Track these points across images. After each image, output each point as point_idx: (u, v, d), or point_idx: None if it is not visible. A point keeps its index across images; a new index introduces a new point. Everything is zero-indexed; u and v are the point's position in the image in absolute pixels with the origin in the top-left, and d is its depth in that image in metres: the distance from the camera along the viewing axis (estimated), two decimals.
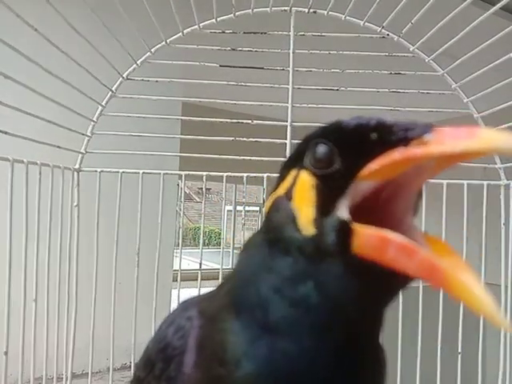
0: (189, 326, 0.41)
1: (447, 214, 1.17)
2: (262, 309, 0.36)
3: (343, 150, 0.34)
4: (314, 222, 0.34)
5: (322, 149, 0.35)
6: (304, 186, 0.35)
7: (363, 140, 0.33)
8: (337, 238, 0.33)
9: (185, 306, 0.45)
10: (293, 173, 0.38)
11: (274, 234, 0.37)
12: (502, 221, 1.15)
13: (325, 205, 0.34)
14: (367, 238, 0.32)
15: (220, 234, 11.83)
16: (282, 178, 0.39)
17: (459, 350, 1.14)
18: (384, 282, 0.33)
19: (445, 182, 1.18)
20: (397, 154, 0.31)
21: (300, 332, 0.34)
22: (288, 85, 1.18)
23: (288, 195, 0.37)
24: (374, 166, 0.32)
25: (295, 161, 0.38)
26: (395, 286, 0.34)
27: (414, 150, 0.31)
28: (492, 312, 0.28)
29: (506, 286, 1.13)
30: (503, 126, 1.09)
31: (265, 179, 1.16)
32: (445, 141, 0.30)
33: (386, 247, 0.31)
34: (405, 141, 0.31)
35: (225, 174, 1.19)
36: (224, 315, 0.38)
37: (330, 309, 0.34)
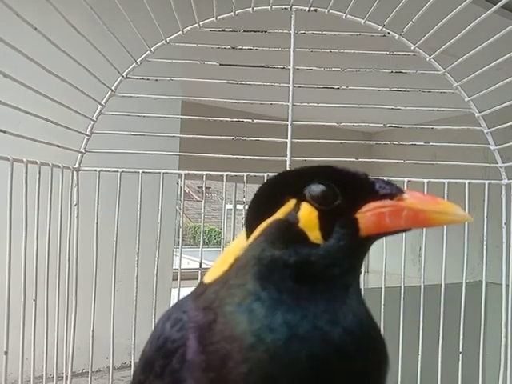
0: (186, 317, 0.44)
1: None
2: (275, 287, 0.43)
3: (344, 190, 0.45)
4: (322, 236, 0.44)
5: (325, 189, 0.45)
6: (309, 216, 0.45)
7: (360, 186, 0.45)
8: (348, 231, 0.44)
9: (177, 304, 0.49)
10: (291, 202, 0.46)
11: (284, 243, 0.44)
12: (503, 220, 1.15)
13: (327, 227, 0.44)
14: (370, 217, 0.44)
15: (220, 232, 11.83)
16: (273, 203, 0.47)
17: (460, 350, 1.14)
18: (379, 238, 0.46)
19: (446, 181, 1.17)
20: (388, 203, 0.44)
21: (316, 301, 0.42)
22: (288, 83, 1.18)
23: (291, 219, 0.45)
24: (372, 206, 0.44)
25: (287, 190, 0.47)
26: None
27: (399, 202, 0.44)
28: (463, 215, 0.42)
29: (507, 285, 1.13)
30: (504, 125, 1.09)
31: (265, 178, 1.15)
32: (417, 200, 0.43)
33: (383, 217, 0.44)
34: (390, 195, 0.44)
35: (225, 174, 1.19)
36: (226, 301, 0.43)
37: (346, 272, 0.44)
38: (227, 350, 0.40)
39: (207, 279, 0.48)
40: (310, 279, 0.43)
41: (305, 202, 0.45)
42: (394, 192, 0.44)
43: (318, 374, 0.39)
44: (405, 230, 0.45)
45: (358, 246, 0.45)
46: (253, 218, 0.48)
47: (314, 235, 0.44)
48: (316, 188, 0.45)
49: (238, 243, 0.48)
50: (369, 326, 0.45)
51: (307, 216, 0.45)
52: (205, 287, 0.47)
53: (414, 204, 0.43)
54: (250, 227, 0.48)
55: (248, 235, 0.48)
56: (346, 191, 0.45)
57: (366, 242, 0.46)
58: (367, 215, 0.44)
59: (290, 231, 0.45)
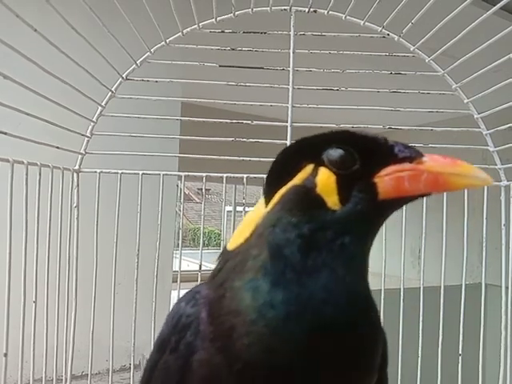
0: (199, 296, 0.48)
1: (447, 214, 1.17)
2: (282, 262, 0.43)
3: (362, 155, 0.44)
4: (340, 201, 0.44)
5: (343, 153, 0.44)
6: (327, 181, 0.44)
7: (378, 150, 0.44)
8: (366, 195, 0.43)
9: (190, 290, 0.51)
10: (308, 167, 0.46)
11: (302, 211, 0.44)
12: (503, 222, 1.15)
13: (345, 192, 0.44)
14: (389, 181, 0.43)
15: (220, 234, 11.82)
16: (291, 169, 0.47)
17: (460, 352, 1.14)
18: (399, 206, 0.45)
19: None
20: (407, 166, 0.43)
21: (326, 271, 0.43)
22: (288, 85, 1.18)
23: (308, 185, 0.45)
24: (391, 170, 0.43)
25: (305, 155, 0.47)
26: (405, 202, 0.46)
27: (418, 166, 0.43)
28: (485, 178, 0.41)
29: (507, 287, 1.13)
30: (503, 126, 1.09)
31: (265, 180, 1.15)
32: (437, 163, 0.42)
33: (402, 181, 0.43)
34: (409, 158, 0.43)
35: (225, 175, 1.19)
36: (238, 276, 0.45)
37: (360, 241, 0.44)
38: (232, 323, 0.42)
39: (230, 246, 0.49)
40: (319, 249, 0.43)
41: (323, 166, 0.45)
42: (414, 155, 0.43)
43: (312, 350, 0.41)
44: (425, 195, 0.45)
45: (376, 211, 0.45)
46: (271, 185, 0.49)
47: (332, 200, 0.44)
48: (334, 152, 0.45)
49: (257, 210, 0.49)
50: (363, 304, 0.45)
51: (325, 181, 0.44)
52: (226, 257, 0.49)
53: (433, 167, 0.42)
54: (269, 194, 0.49)
55: (267, 202, 0.49)
56: (364, 155, 0.44)
57: (384, 208, 0.45)
58: (386, 179, 0.43)
59: (307, 197, 0.45)
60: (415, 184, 0.43)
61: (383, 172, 0.43)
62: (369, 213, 0.44)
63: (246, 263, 0.45)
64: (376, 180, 0.44)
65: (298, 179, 0.46)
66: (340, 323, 0.42)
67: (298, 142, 0.50)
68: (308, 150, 0.47)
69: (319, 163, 0.45)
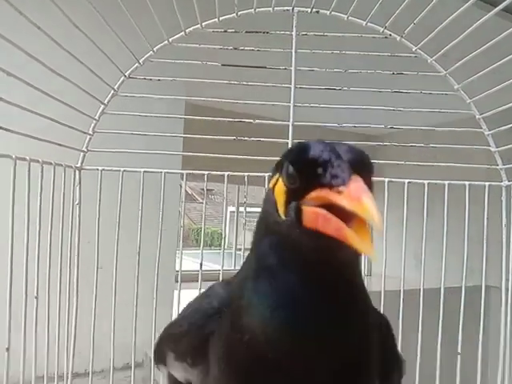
0: (227, 286, 0.61)
1: (448, 214, 1.17)
2: (262, 265, 0.52)
3: (301, 175, 0.48)
4: (285, 210, 0.49)
5: (290, 171, 0.49)
6: (280, 190, 0.50)
7: (313, 172, 0.46)
8: (294, 216, 0.48)
9: (222, 280, 0.65)
10: (276, 176, 0.53)
11: (265, 216, 0.53)
12: (504, 222, 1.15)
13: (289, 202, 0.49)
14: (308, 213, 0.46)
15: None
16: (272, 177, 0.55)
17: (459, 351, 1.14)
18: (325, 243, 0.46)
19: (446, 182, 1.17)
20: (323, 193, 0.46)
21: (288, 273, 0.50)
22: (290, 84, 1.18)
23: (272, 191, 0.52)
24: (313, 195, 0.47)
25: (277, 167, 0.53)
26: (333, 246, 0.46)
27: (330, 195, 0.45)
28: (369, 248, 0.43)
29: (507, 288, 1.13)
30: (505, 126, 1.09)
31: (266, 179, 1.15)
32: (348, 196, 0.44)
33: (317, 218, 0.46)
34: (330, 186, 0.45)
35: (226, 174, 1.19)
36: (242, 281, 0.55)
37: (300, 259, 0.49)
38: (238, 313, 0.53)
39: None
40: (282, 251, 0.51)
41: (280, 177, 0.51)
42: (334, 183, 0.45)
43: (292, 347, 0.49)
44: (339, 244, 0.46)
45: (304, 236, 0.47)
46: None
47: (281, 209, 0.50)
48: (286, 167, 0.49)
49: None
50: (330, 312, 0.49)
51: (278, 190, 0.51)
52: (247, 257, 0.58)
53: (336, 203, 0.44)
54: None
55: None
56: (302, 174, 0.48)
57: (313, 237, 0.46)
58: (308, 210, 0.47)
59: (270, 201, 0.52)
60: (327, 225, 0.45)
61: (309, 196, 0.47)
62: (295, 234, 0.48)
63: (249, 270, 0.55)
64: (303, 205, 0.47)
65: (271, 183, 0.54)
66: (302, 328, 0.48)
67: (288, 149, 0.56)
68: (281, 158, 0.53)
69: (280, 175, 0.51)
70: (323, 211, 0.45)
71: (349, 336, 0.50)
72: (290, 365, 0.49)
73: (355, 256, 0.49)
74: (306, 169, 0.47)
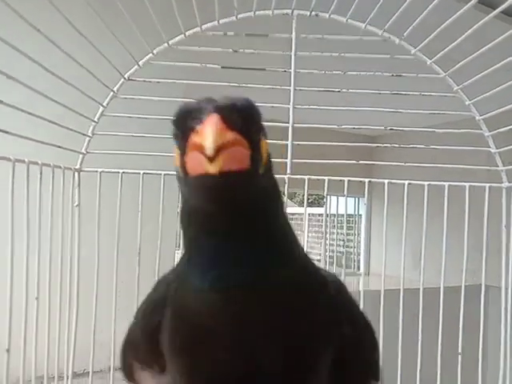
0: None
1: (449, 215, 1.17)
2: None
3: (179, 130, 0.48)
4: (182, 171, 0.47)
5: (173, 131, 0.50)
6: (176, 155, 0.49)
7: (186, 124, 0.47)
8: (181, 169, 0.47)
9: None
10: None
11: (179, 178, 0.51)
12: (504, 223, 1.15)
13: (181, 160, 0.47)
14: (187, 162, 0.45)
15: None
16: None
17: (459, 351, 1.14)
18: (200, 182, 0.45)
19: (446, 183, 1.17)
20: (190, 138, 0.45)
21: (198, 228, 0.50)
22: (290, 86, 1.18)
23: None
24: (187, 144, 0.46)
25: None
26: (206, 183, 0.45)
27: (191, 137, 0.45)
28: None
29: (507, 288, 1.13)
30: (505, 128, 1.09)
31: None
32: (201, 132, 0.44)
33: (191, 163, 0.45)
34: (194, 130, 0.45)
35: None
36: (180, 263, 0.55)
37: (199, 212, 0.49)
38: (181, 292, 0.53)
39: None
40: (188, 214, 0.51)
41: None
42: (196, 125, 0.45)
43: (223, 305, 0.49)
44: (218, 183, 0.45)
45: (191, 186, 0.47)
46: None
47: (180, 170, 0.48)
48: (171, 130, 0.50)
49: None
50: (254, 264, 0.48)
51: (175, 157, 0.50)
52: None
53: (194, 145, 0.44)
54: None
55: None
56: (179, 129, 0.48)
57: (196, 182, 0.46)
58: (186, 159, 0.46)
59: (176, 173, 0.52)
60: (197, 166, 0.44)
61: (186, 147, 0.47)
62: (188, 188, 0.48)
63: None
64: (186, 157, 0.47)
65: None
66: (221, 283, 0.48)
67: None
68: None
69: None
70: (193, 154, 0.45)
71: (272, 278, 0.48)
72: (228, 329, 0.49)
73: (236, 186, 0.46)
74: (181, 123, 0.48)
